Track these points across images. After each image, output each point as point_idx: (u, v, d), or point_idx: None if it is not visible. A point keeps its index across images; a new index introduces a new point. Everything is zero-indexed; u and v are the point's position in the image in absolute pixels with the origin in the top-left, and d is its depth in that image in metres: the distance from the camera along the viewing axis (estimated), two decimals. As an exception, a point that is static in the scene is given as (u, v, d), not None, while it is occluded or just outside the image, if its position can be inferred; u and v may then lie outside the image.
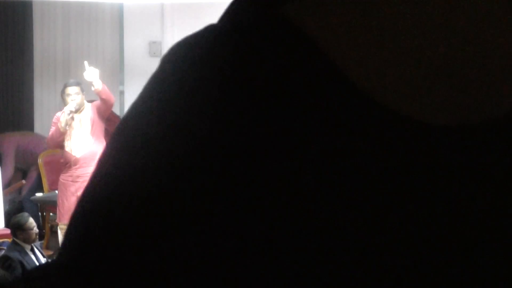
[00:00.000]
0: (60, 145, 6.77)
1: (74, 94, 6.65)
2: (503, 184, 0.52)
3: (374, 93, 0.51)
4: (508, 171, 0.52)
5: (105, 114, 6.74)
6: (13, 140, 8.04)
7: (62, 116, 6.63)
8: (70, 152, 6.69)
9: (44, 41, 8.73)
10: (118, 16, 8.84)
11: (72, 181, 6.68)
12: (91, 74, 6.50)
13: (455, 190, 0.51)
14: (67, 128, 6.60)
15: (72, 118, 6.62)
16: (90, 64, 6.72)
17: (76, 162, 6.65)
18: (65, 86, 6.76)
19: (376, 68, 0.52)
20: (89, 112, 6.70)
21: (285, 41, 0.52)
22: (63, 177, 6.79)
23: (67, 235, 0.53)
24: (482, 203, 0.51)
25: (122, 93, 8.83)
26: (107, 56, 8.87)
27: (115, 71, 8.88)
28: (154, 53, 8.60)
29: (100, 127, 6.74)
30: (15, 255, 5.63)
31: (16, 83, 8.59)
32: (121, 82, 8.86)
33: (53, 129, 6.73)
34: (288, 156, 0.49)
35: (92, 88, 6.56)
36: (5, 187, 7.78)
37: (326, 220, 0.49)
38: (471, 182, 0.51)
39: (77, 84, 6.71)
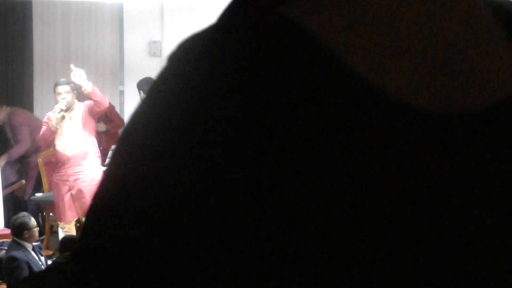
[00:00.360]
0: (51, 144, 6.77)
1: (64, 93, 6.64)
2: (498, 168, 0.54)
3: (376, 83, 0.52)
4: (502, 155, 0.55)
5: (96, 114, 6.72)
6: (24, 115, 7.99)
7: (52, 115, 6.63)
8: (60, 151, 6.68)
9: (44, 41, 8.73)
10: (118, 16, 8.85)
11: (65, 180, 6.68)
12: (78, 75, 6.44)
13: (456, 175, 0.53)
14: (58, 127, 6.60)
15: (63, 117, 6.61)
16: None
17: (67, 160, 6.65)
18: (56, 85, 6.77)
19: (377, 58, 0.54)
20: (80, 110, 6.69)
21: (283, 35, 0.53)
22: (55, 177, 6.80)
23: (80, 240, 0.55)
24: (481, 186, 0.53)
25: (122, 93, 8.83)
26: (107, 56, 8.88)
27: (115, 71, 8.88)
28: (154, 52, 8.60)
29: (91, 125, 6.73)
30: (21, 255, 5.60)
31: (16, 83, 8.59)
32: (121, 82, 8.86)
33: (44, 128, 6.73)
34: (292, 151, 0.50)
35: (82, 89, 6.53)
36: (18, 160, 7.72)
37: (331, 218, 0.50)
38: (471, 166, 0.54)
39: (67, 83, 6.69)
